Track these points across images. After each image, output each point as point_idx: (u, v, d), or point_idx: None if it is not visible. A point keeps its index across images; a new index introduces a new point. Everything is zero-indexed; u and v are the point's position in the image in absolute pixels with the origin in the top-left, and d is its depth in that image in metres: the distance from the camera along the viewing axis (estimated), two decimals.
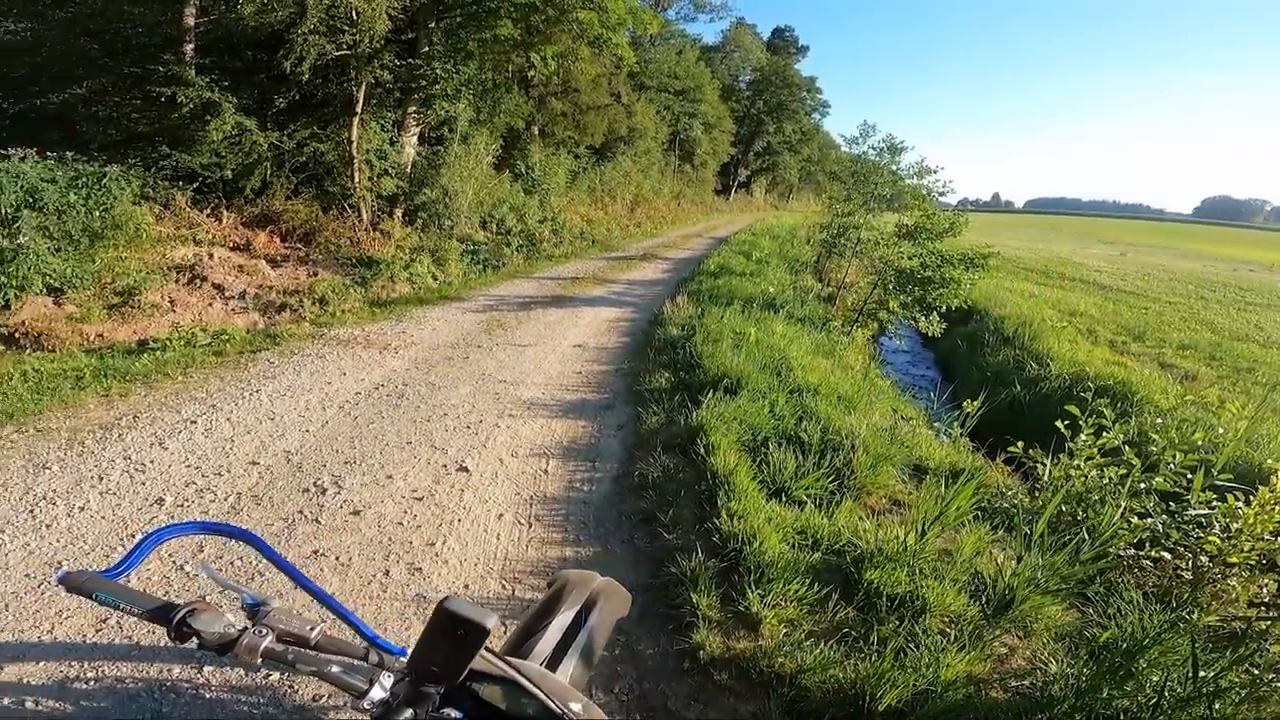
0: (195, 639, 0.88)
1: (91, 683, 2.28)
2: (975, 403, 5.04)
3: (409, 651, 0.89)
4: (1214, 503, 3.45)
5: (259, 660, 0.88)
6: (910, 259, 10.49)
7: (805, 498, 3.75)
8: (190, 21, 8.82)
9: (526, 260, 12.63)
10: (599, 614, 1.41)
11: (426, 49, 10.98)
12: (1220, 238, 79.27)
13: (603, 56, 16.03)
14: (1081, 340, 11.08)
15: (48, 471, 3.61)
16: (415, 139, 11.90)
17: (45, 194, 6.61)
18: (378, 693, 0.88)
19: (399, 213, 11.24)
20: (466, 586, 2.96)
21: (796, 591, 2.85)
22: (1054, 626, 2.89)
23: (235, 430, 4.28)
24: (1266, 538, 3.17)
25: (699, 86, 31.58)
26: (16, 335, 5.56)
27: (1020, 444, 4.28)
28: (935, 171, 11.28)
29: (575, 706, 0.90)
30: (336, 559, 3.04)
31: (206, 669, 2.36)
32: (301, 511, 3.42)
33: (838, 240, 13.33)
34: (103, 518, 3.23)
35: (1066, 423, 4.12)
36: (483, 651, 0.85)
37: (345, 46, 9.37)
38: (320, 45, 8.96)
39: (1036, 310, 12.98)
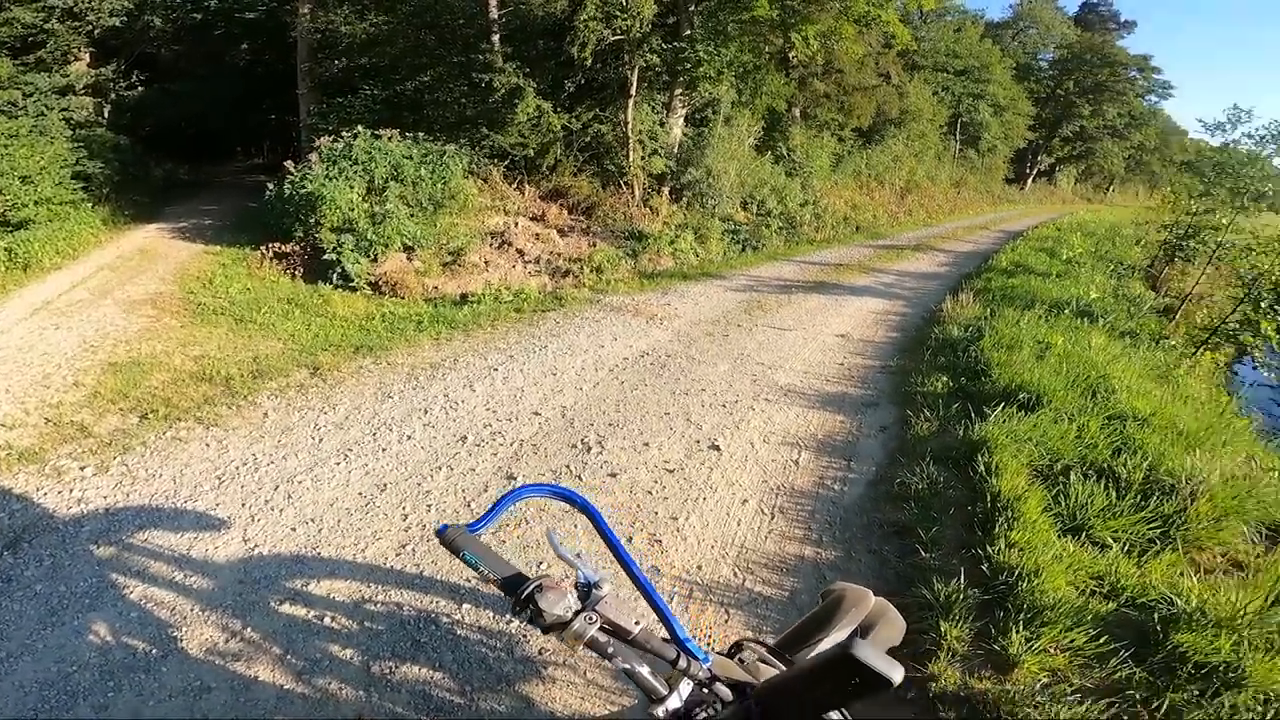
0: (529, 611, 0.88)
1: (379, 605, 2.61)
2: None
3: (710, 660, 0.86)
4: None
5: (580, 647, 0.87)
6: None
7: (1112, 541, 3.24)
8: (494, 13, 10.19)
9: (786, 243, 12.38)
10: (874, 639, 1.30)
11: (688, 32, 11.30)
12: None
13: (868, 35, 14.98)
14: None
15: (390, 400, 4.40)
16: (682, 120, 12.41)
17: (405, 169, 8.18)
18: (674, 701, 0.85)
19: (666, 190, 11.81)
20: (700, 567, 2.93)
21: (1074, 641, 2.54)
22: None
23: (525, 381, 4.80)
24: None
25: (985, 65, 28.55)
26: (380, 284, 7.01)
27: None
28: None
29: None
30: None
31: (464, 606, 2.59)
32: (568, 466, 3.68)
33: (1185, 243, 10.84)
34: (422, 448, 3.82)
35: None
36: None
37: (619, 31, 10.07)
38: (598, 31, 9.77)
39: None
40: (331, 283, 7.12)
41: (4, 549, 2.88)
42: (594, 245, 9.19)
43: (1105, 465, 3.86)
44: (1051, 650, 2.53)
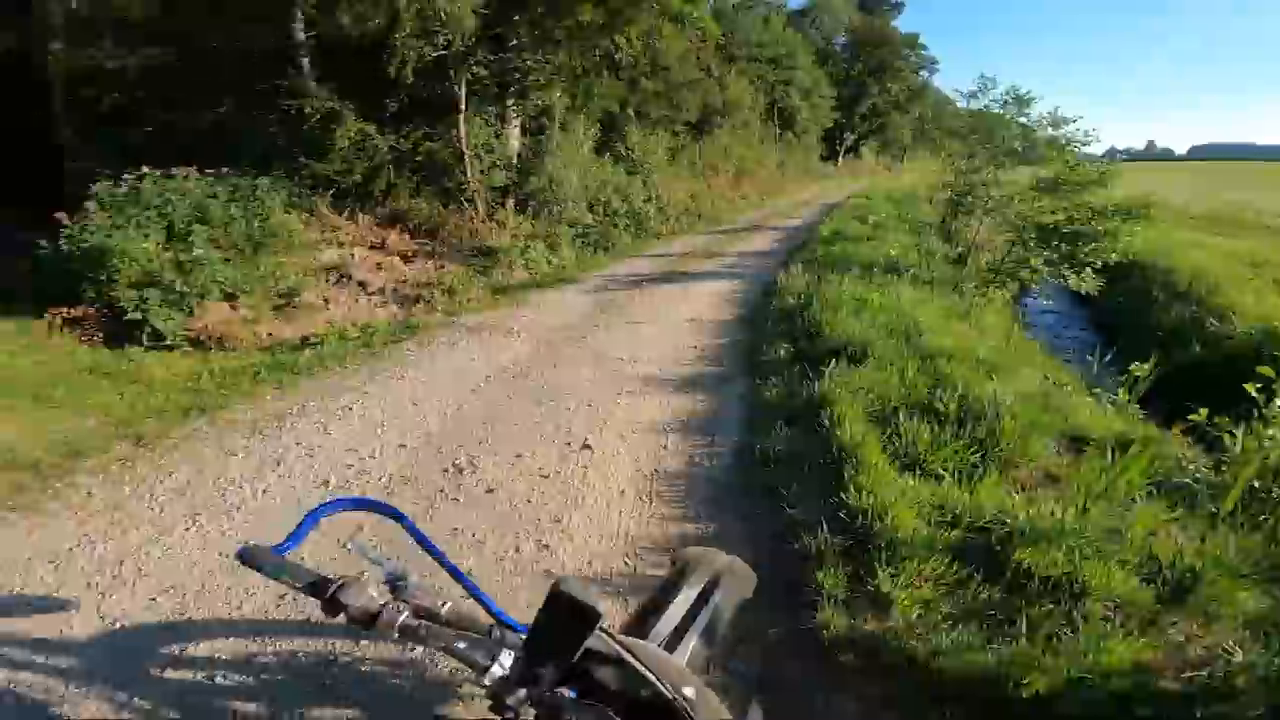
0: (344, 613, 0.93)
1: (271, 656, 2.50)
2: (1146, 366, 4.51)
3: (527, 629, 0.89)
4: None
5: (395, 634, 0.92)
6: (1053, 214, 9.50)
7: (943, 471, 3.52)
8: (300, 36, 9.54)
9: (635, 239, 12.77)
10: (723, 593, 1.36)
11: (515, 42, 11.32)
12: None
13: (686, 31, 15.86)
14: (1272, 293, 9.57)
15: (235, 458, 4.07)
16: (518, 130, 12.37)
17: (210, 209, 7.44)
18: (497, 670, 0.89)
19: (511, 203, 11.72)
20: (590, 563, 3.01)
21: (933, 570, 2.70)
22: (1244, 614, 2.55)
23: (385, 415, 4.64)
24: None
25: (791, 53, 30.82)
26: (202, 338, 6.34)
27: (1204, 411, 3.75)
28: (1074, 121, 10.12)
29: (688, 691, 0.86)
30: (473, 536, 3.22)
31: (362, 644, 2.53)
32: (443, 490, 3.63)
33: (964, 199, 12.44)
34: (282, 498, 3.60)
35: (1259, 386, 3.60)
36: (598, 632, 0.84)
37: (441, 47, 9.82)
38: (418, 48, 9.44)
39: (1213, 261, 11.36)
40: (142, 344, 6.33)
41: None
42: (442, 267, 8.95)
43: (926, 402, 4.17)
44: (918, 583, 2.67)
